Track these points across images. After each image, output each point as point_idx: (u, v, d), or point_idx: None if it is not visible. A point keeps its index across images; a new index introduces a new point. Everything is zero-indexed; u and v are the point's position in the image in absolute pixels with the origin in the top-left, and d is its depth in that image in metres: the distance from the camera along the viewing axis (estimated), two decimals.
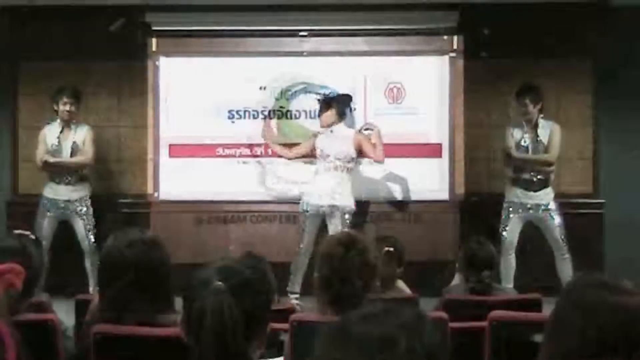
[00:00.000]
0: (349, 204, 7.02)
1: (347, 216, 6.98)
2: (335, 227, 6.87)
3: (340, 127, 7.14)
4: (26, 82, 8.31)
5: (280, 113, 8.11)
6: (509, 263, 7.18)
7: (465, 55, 8.00)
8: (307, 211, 7.06)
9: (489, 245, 4.51)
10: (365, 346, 1.31)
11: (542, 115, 7.21)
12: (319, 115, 7.27)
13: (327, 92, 7.87)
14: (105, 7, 8.02)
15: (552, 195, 7.19)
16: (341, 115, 7.16)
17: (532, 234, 7.26)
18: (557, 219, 7.14)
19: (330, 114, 7.13)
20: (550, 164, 7.20)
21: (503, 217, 7.25)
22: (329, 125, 7.12)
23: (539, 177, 7.17)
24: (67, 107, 7.38)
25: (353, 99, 7.66)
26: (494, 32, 8.00)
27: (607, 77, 8.02)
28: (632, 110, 8.11)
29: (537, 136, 7.19)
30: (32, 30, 8.17)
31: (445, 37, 8.05)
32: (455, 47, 8.02)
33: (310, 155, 7.51)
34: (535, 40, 8.04)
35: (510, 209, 7.24)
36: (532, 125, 7.19)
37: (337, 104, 7.20)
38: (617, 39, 8.02)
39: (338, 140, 7.04)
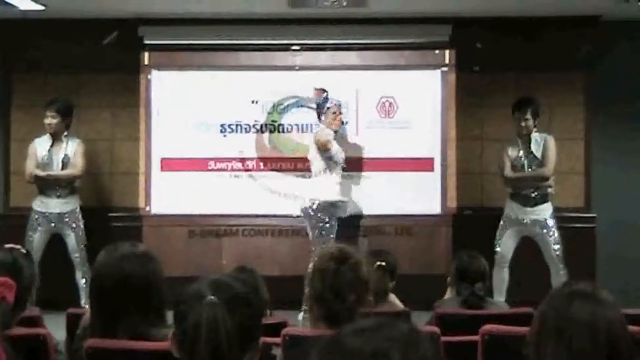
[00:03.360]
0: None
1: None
2: None
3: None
4: (19, 95, 8.30)
5: (273, 127, 8.10)
6: (502, 277, 7.17)
7: (457, 69, 8.01)
8: None
9: (480, 258, 4.52)
10: None
11: (536, 130, 7.22)
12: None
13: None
14: (98, 20, 8.03)
15: (550, 210, 7.17)
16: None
17: (527, 248, 7.26)
18: (554, 235, 7.12)
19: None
20: (546, 178, 7.19)
21: (498, 230, 7.25)
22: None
23: (537, 193, 7.16)
24: (48, 121, 7.40)
25: (326, 93, 7.42)
26: (486, 46, 8.03)
27: (600, 91, 8.04)
28: (624, 125, 8.14)
29: (530, 150, 7.19)
30: (25, 43, 8.17)
31: (438, 51, 8.06)
32: (447, 61, 8.03)
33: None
34: (528, 54, 8.06)
35: (506, 223, 7.24)
36: (525, 140, 7.19)
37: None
38: (609, 52, 8.06)
39: None
